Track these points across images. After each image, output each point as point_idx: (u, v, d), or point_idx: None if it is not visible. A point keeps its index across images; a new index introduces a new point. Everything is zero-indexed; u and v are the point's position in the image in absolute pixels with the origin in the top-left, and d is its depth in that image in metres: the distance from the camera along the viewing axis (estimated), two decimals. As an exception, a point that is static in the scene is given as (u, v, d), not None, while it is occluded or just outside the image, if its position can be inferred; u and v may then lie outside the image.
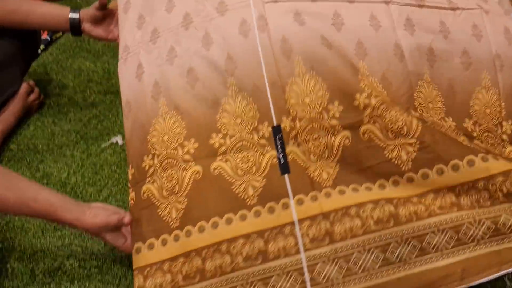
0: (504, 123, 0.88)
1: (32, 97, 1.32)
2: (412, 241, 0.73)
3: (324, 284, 0.73)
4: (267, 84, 0.85)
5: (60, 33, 1.66)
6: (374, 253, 0.72)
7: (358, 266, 0.71)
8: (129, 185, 0.87)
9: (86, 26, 1.09)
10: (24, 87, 1.28)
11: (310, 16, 0.88)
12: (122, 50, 0.97)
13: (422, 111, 0.84)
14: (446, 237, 0.75)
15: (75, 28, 1.09)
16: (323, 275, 0.71)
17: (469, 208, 0.77)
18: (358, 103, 0.82)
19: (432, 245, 0.74)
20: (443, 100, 0.87)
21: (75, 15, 1.08)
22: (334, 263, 0.71)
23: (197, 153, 0.84)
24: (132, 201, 0.85)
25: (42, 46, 1.56)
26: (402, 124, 0.80)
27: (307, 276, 0.73)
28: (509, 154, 0.85)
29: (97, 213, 0.81)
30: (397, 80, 0.85)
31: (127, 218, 0.83)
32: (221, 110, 0.85)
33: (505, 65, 0.91)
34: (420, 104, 0.84)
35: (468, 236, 0.76)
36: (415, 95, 0.85)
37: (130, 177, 0.87)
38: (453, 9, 0.94)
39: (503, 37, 0.94)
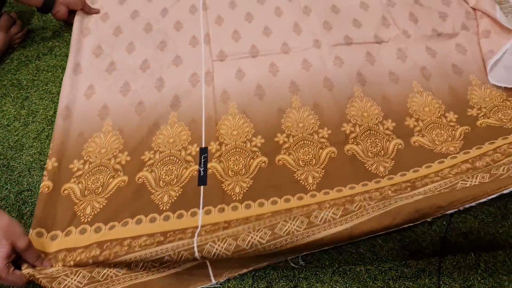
0: (446, 114, 1.00)
1: (14, 29, 1.19)
2: (299, 217, 0.75)
3: (211, 258, 0.73)
4: (203, 118, 0.98)
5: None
6: (263, 231, 0.74)
7: (246, 243, 0.71)
8: (45, 173, 0.89)
9: (61, 8, 1.15)
10: (4, 19, 1.17)
11: (250, 70, 1.07)
12: (74, 66, 1.08)
13: (356, 121, 0.98)
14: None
15: (48, 6, 1.12)
16: (212, 252, 0.71)
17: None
18: (278, 140, 0.95)
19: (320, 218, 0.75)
20: (379, 107, 1.01)
21: None
22: (223, 241, 0.72)
23: (128, 165, 0.91)
24: (46, 189, 0.87)
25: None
26: (311, 156, 0.92)
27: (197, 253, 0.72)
28: (462, 131, 0.95)
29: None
30: (328, 105, 1.01)
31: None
32: (158, 133, 0.96)
33: (433, 74, 1.08)
34: (352, 116, 0.98)
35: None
36: (346, 111, 0.99)
37: (49, 167, 0.90)
38: (378, 42, 1.15)
39: (426, 53, 1.12)
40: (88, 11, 1.21)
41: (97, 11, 1.22)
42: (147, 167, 0.91)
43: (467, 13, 1.22)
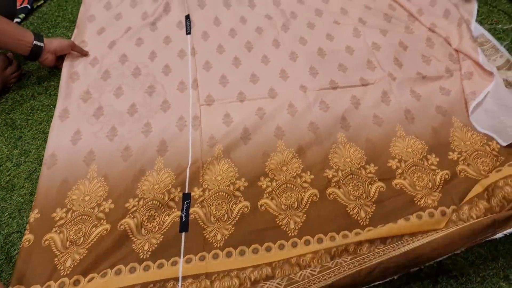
0: (428, 156, 1.00)
1: (10, 70, 1.20)
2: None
3: None
4: (189, 163, 0.98)
5: (42, 1, 1.52)
6: None
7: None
8: (27, 226, 0.88)
9: (49, 56, 1.16)
10: (1, 60, 1.18)
11: (237, 114, 1.09)
12: (61, 112, 1.09)
13: (339, 166, 0.98)
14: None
15: (36, 54, 1.14)
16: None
17: None
18: (261, 184, 0.95)
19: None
20: (362, 151, 1.01)
21: (40, 44, 1.12)
22: None
23: (111, 213, 0.91)
24: (27, 243, 0.86)
25: (22, 15, 1.44)
26: (294, 199, 0.92)
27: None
28: (442, 177, 0.95)
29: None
30: (311, 148, 1.01)
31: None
32: (144, 179, 0.96)
33: (416, 117, 1.08)
34: (335, 162, 0.99)
35: None
36: (329, 156, 0.99)
37: (31, 220, 0.89)
38: (364, 85, 1.16)
39: (410, 96, 1.13)
40: (79, 51, 1.23)
41: (86, 53, 1.24)
42: (130, 214, 0.90)
43: (450, 55, 1.24)
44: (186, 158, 1.00)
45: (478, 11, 1.45)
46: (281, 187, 0.94)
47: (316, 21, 1.37)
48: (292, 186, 0.94)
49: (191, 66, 1.21)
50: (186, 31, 1.32)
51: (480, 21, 1.42)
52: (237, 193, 0.93)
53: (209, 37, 1.31)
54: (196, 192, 0.93)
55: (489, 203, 0.85)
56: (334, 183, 0.94)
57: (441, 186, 0.94)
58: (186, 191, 0.93)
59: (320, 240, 0.86)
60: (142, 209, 0.90)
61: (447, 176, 0.95)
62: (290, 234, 0.86)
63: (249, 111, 1.09)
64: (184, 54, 1.25)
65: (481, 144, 1.02)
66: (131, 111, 1.10)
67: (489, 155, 0.99)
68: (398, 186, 0.94)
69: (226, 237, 0.86)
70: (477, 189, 0.89)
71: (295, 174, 0.96)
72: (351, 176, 0.96)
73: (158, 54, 1.25)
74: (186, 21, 1.35)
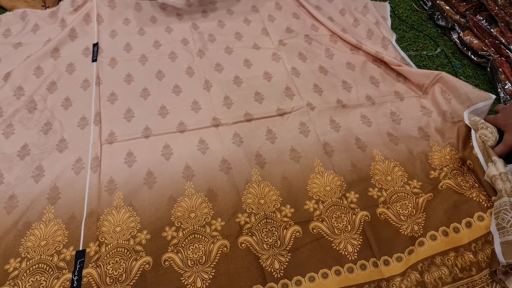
0: (347, 194, 0.92)
1: None
2: None
3: None
4: (85, 213, 0.87)
5: None
6: None
7: None
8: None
9: None
10: None
11: (141, 153, 0.98)
12: None
13: (252, 210, 0.89)
14: None
15: None
16: None
17: None
18: (166, 234, 0.85)
19: None
20: (278, 192, 0.92)
21: None
22: None
23: None
24: None
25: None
26: (202, 253, 0.83)
27: None
28: (362, 218, 0.89)
29: None
30: (223, 190, 0.92)
31: None
32: (29, 234, 0.84)
33: (335, 150, 1.01)
34: (248, 204, 0.90)
35: None
36: (242, 198, 0.91)
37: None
38: (281, 114, 1.08)
39: (330, 127, 1.06)
40: None
41: None
42: (10, 281, 0.77)
43: (371, 78, 1.21)
44: (81, 207, 0.88)
45: (404, 36, 1.44)
46: (188, 238, 0.84)
47: (235, 45, 1.29)
48: (200, 236, 0.85)
49: (94, 97, 1.09)
50: (93, 58, 1.21)
51: (406, 47, 1.40)
52: (138, 247, 0.83)
53: (117, 64, 1.20)
54: (91, 248, 0.81)
55: (422, 277, 0.80)
56: (247, 230, 0.86)
57: (361, 229, 0.87)
58: (81, 248, 0.82)
59: None
60: (25, 274, 0.78)
61: (367, 218, 0.89)
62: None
63: (155, 149, 0.99)
64: (88, 84, 1.14)
65: (402, 183, 0.96)
66: (22, 154, 0.97)
67: (409, 196, 0.93)
68: (315, 230, 0.87)
69: None
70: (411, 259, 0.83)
71: (204, 222, 0.87)
72: (265, 220, 0.88)
73: (59, 85, 1.13)
74: (93, 48, 1.24)
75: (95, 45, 1.24)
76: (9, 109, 1.06)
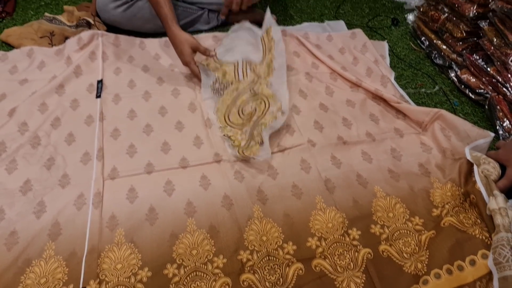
0: (349, 231, 0.91)
1: None
2: None
3: None
4: (86, 250, 0.86)
5: None
6: None
7: None
8: None
9: None
10: None
11: (143, 189, 0.98)
12: None
13: (254, 247, 0.88)
14: None
15: None
16: None
17: None
18: (167, 272, 0.84)
19: None
20: (280, 229, 0.92)
21: None
22: None
23: None
24: None
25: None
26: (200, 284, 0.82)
27: None
28: (364, 255, 0.88)
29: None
30: (225, 227, 0.91)
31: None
32: (28, 272, 0.83)
33: (337, 186, 1.01)
34: (250, 241, 0.89)
35: None
36: (244, 235, 0.90)
37: None
38: (281, 151, 1.08)
39: (331, 163, 1.06)
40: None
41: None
42: (8, 319, 0.76)
43: (371, 115, 1.23)
44: (82, 244, 0.87)
45: (402, 74, 1.47)
46: (190, 276, 0.83)
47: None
48: (202, 274, 0.84)
49: (98, 133, 1.10)
50: (97, 94, 1.23)
51: (404, 84, 1.42)
52: (139, 285, 0.81)
53: (121, 100, 1.22)
54: (92, 286, 0.80)
55: None
56: (249, 268, 0.85)
57: (363, 267, 0.87)
58: (81, 286, 0.81)
59: None
60: None
61: (369, 256, 0.89)
62: None
63: (157, 185, 0.99)
64: (92, 120, 1.15)
65: (404, 220, 0.95)
66: (24, 189, 0.97)
67: (411, 233, 0.93)
68: (318, 267, 0.86)
69: None
70: None
71: (206, 259, 0.86)
72: (267, 258, 0.87)
73: (63, 120, 1.14)
74: (98, 84, 1.26)
75: (100, 82, 1.27)
76: (13, 145, 1.06)
